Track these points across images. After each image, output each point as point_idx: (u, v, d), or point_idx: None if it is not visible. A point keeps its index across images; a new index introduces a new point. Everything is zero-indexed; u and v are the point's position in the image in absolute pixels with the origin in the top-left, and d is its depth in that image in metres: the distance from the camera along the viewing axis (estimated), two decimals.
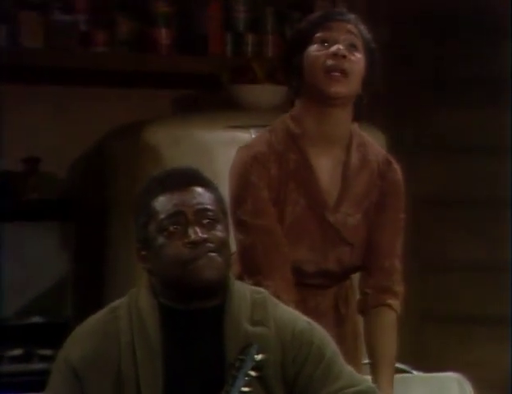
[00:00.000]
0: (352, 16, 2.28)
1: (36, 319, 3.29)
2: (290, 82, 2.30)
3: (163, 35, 3.49)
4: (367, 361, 2.35)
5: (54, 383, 1.90)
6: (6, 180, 3.32)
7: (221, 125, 3.28)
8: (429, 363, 2.52)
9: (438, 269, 3.67)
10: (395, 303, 2.29)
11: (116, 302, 1.96)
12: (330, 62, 2.19)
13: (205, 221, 1.88)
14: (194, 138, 3.23)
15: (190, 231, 1.86)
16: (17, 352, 3.06)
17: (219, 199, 1.94)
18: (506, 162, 3.57)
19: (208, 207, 1.90)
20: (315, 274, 2.28)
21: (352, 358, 2.00)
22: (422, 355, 3.04)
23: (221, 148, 3.19)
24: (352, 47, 2.22)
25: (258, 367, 1.81)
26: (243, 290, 1.93)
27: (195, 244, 1.85)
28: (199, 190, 1.91)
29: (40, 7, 3.35)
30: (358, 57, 2.22)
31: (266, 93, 3.42)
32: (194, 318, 1.88)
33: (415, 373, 2.50)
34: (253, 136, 3.20)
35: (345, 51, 2.20)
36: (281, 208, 2.25)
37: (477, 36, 3.61)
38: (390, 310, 2.28)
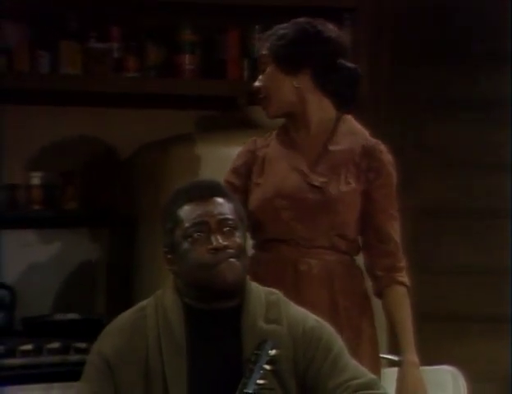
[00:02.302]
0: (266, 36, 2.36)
1: (73, 316, 3.30)
2: None
3: (187, 61, 3.49)
4: (385, 356, 2.35)
5: (88, 374, 1.90)
6: (47, 191, 3.34)
7: (238, 142, 3.27)
8: (426, 357, 2.51)
9: (436, 273, 3.65)
10: (404, 278, 2.31)
11: (144, 301, 1.96)
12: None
13: (226, 229, 1.89)
14: (215, 153, 3.23)
15: (213, 239, 1.87)
16: (55, 345, 3.06)
17: (237, 209, 1.95)
18: (504, 175, 3.55)
19: (228, 216, 1.91)
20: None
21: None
22: (421, 350, 3.01)
23: None
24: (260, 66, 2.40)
25: (272, 361, 1.81)
26: (258, 292, 1.94)
27: (217, 250, 1.87)
28: (220, 200, 1.92)
29: (78, 36, 3.36)
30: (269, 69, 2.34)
31: None
32: (215, 317, 1.89)
33: None
34: None
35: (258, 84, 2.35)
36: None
37: (477, 59, 3.59)
38: (402, 286, 2.30)
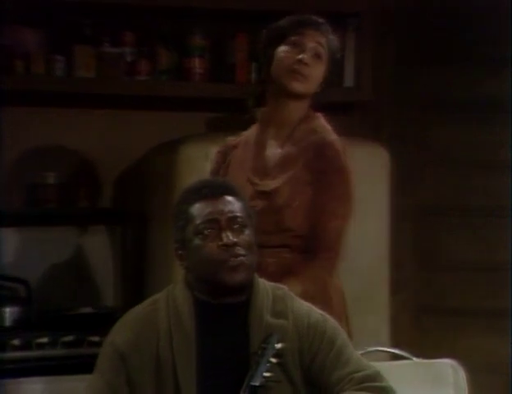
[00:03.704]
0: (324, 27, 2.32)
1: (87, 310, 3.29)
2: (262, 72, 2.38)
3: (198, 65, 3.49)
4: (371, 349, 2.34)
5: (102, 365, 1.90)
6: (62, 190, 3.34)
7: None
8: (427, 351, 2.50)
9: (436, 268, 3.64)
10: (325, 266, 2.27)
11: (156, 295, 1.96)
12: (295, 66, 2.26)
13: (235, 226, 1.89)
14: None
15: (223, 235, 1.87)
16: (70, 338, 3.05)
17: (246, 207, 1.95)
18: (503, 174, 3.54)
19: (238, 214, 1.90)
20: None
21: None
22: (422, 344, 3.01)
23: None
24: (316, 55, 2.28)
25: (278, 354, 1.81)
26: (265, 287, 1.93)
27: (227, 246, 1.86)
28: (230, 199, 1.92)
29: (92, 41, 3.36)
30: (320, 65, 2.28)
31: None
32: (224, 311, 1.89)
33: (415, 359, 2.48)
34: None
35: (308, 59, 2.26)
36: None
37: (478, 62, 3.58)
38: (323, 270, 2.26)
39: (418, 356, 2.47)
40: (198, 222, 1.88)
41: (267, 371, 1.77)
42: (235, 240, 1.86)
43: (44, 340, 3.04)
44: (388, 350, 2.59)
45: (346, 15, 3.52)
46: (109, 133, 3.47)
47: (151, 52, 3.45)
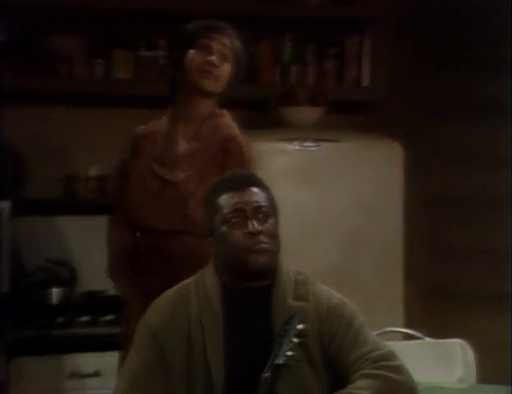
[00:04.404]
0: (228, 31, 2.35)
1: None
2: (172, 72, 2.39)
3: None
4: (386, 329, 2.31)
5: (137, 344, 1.90)
6: (101, 182, 3.34)
7: (271, 138, 3.26)
8: (438, 332, 2.47)
9: (447, 255, 3.61)
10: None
11: (186, 280, 1.95)
12: (205, 67, 2.30)
13: (260, 215, 1.88)
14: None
15: (249, 224, 1.86)
16: (110, 317, 3.05)
17: (270, 198, 1.94)
18: (505, 168, 3.50)
19: (263, 204, 1.90)
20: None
21: None
22: (433, 325, 2.98)
23: (272, 156, 3.17)
24: (223, 57, 2.31)
25: (299, 335, 1.79)
26: (288, 272, 1.92)
27: (252, 234, 1.85)
28: (256, 190, 1.91)
29: (129, 46, 3.36)
30: (226, 66, 2.32)
31: (307, 113, 3.39)
32: (249, 295, 1.88)
33: (427, 339, 2.45)
34: (297, 147, 3.21)
35: (216, 61, 2.30)
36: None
37: (485, 64, 3.53)
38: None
39: (428, 337, 2.44)
40: (225, 211, 1.88)
41: (289, 350, 1.76)
42: (259, 228, 1.86)
43: (86, 319, 3.04)
44: (402, 330, 2.57)
45: (363, 20, 3.50)
46: None
47: None
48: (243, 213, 1.87)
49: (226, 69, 2.32)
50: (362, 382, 1.76)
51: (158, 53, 3.37)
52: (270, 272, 1.88)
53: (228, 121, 2.37)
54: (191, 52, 2.32)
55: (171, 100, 2.39)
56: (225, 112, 2.38)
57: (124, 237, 2.39)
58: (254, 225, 1.85)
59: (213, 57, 2.29)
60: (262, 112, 3.54)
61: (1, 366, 2.94)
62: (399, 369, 1.81)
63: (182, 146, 2.33)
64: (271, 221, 1.89)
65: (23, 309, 3.09)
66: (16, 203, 3.12)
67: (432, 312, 3.52)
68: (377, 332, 2.00)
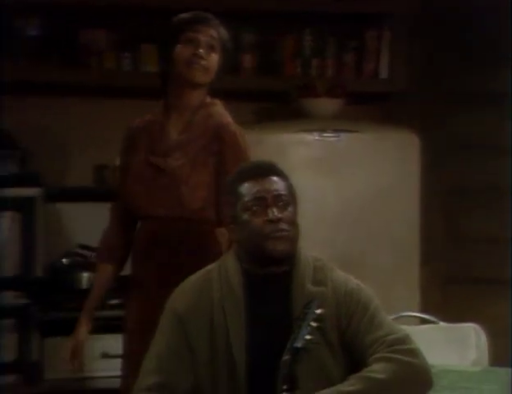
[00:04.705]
0: (214, 22, 2.32)
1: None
2: (162, 66, 2.36)
3: (249, 60, 3.47)
4: (402, 314, 2.30)
5: (163, 327, 1.90)
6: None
7: (292, 129, 3.25)
8: (454, 317, 2.45)
9: (462, 241, 3.59)
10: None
11: (209, 266, 1.96)
12: (193, 59, 2.27)
13: (280, 203, 1.88)
14: (272, 139, 3.21)
15: (269, 211, 1.86)
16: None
17: (290, 186, 1.93)
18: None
19: (282, 192, 1.89)
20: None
21: None
22: (448, 310, 2.96)
23: (292, 146, 3.17)
24: (210, 48, 2.29)
25: (317, 319, 1.79)
26: (306, 258, 1.92)
27: (272, 221, 1.85)
28: (276, 179, 1.91)
29: (156, 40, 3.36)
30: (214, 56, 2.30)
31: (326, 105, 3.38)
32: (269, 280, 1.87)
33: (441, 323, 2.44)
34: (317, 138, 3.19)
35: (204, 53, 2.28)
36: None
37: (496, 59, 3.49)
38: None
39: (444, 322, 2.42)
40: (246, 199, 1.88)
41: (308, 334, 1.76)
42: (279, 215, 1.86)
43: (116, 301, 3.05)
44: (417, 315, 2.55)
45: (382, 15, 3.49)
46: None
47: None
48: (263, 201, 1.86)
49: (214, 59, 2.30)
50: (377, 366, 1.76)
51: None
52: (289, 258, 1.88)
53: (220, 110, 2.35)
54: (179, 46, 2.29)
55: (163, 93, 2.37)
56: (216, 101, 2.36)
57: (113, 230, 2.41)
58: (274, 212, 1.85)
59: (201, 50, 2.28)
60: (284, 103, 3.53)
61: (35, 346, 2.97)
62: (414, 353, 1.80)
63: (175, 136, 2.33)
64: (290, 209, 1.88)
65: (55, 293, 3.12)
66: (48, 190, 3.14)
67: (448, 297, 3.50)
68: (393, 317, 1.99)
